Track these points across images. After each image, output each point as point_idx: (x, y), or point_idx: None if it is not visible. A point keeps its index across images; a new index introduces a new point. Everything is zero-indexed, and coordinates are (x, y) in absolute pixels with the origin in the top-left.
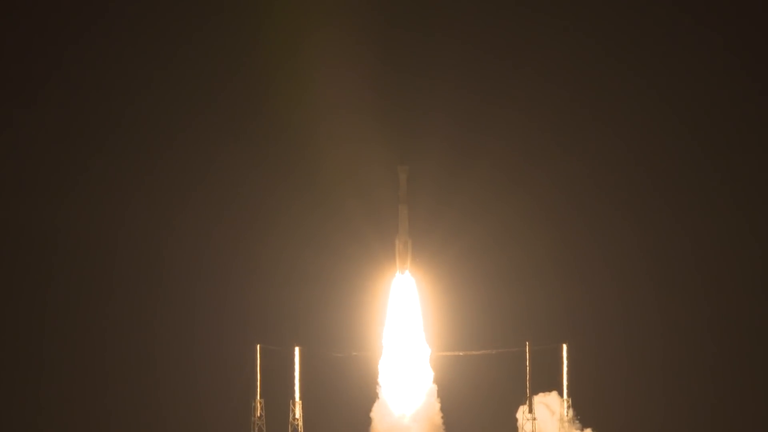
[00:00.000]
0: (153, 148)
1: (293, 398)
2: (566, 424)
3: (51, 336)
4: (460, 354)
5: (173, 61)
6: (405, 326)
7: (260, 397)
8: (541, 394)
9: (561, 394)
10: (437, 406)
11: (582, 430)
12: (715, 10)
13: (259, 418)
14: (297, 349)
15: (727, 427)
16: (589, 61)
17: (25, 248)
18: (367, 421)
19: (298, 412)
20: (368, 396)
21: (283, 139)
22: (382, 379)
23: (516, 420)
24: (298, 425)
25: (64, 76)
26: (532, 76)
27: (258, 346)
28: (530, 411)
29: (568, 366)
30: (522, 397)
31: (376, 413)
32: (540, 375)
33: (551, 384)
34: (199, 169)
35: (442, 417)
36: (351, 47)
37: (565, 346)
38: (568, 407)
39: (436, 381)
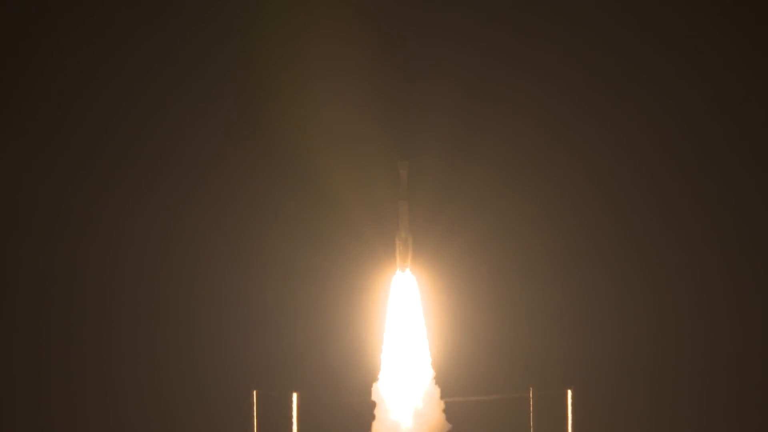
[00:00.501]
0: (146, 149)
1: None
2: None
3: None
4: (461, 400)
5: (168, 56)
6: (406, 333)
7: None
8: None
9: None
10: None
11: None
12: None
13: None
14: (295, 396)
15: None
16: (593, 54)
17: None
18: None
19: None
20: None
21: (278, 135)
22: (381, 390)
23: None
24: None
25: (49, 79)
26: (534, 70)
27: (254, 392)
28: None
29: (573, 412)
30: None
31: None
32: (548, 418)
33: (560, 426)
34: (192, 167)
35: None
36: (349, 40)
37: (569, 392)
38: None
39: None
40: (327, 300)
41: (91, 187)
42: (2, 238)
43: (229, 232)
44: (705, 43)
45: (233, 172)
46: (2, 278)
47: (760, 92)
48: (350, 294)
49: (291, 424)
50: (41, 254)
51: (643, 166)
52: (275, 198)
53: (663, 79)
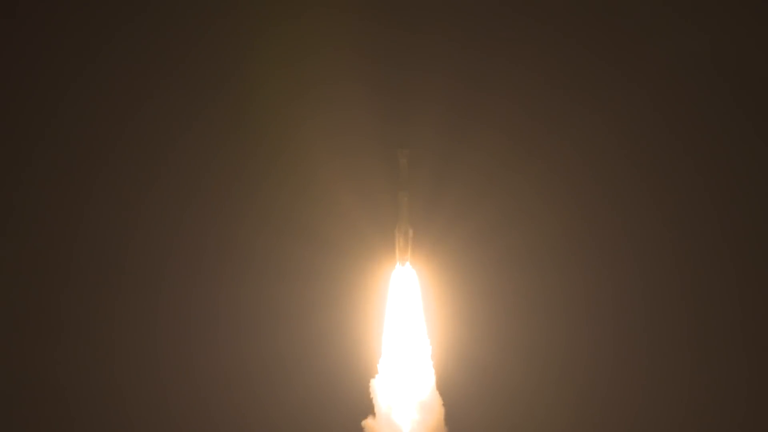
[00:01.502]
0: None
1: None
2: None
3: None
4: None
5: (141, 31)
6: (406, 330)
7: None
8: None
9: None
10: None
11: None
12: None
13: None
14: None
15: None
16: (608, 6)
17: None
18: None
19: None
20: None
21: (261, 119)
22: (379, 396)
23: None
24: None
25: None
26: (538, 34)
27: None
28: None
29: None
30: None
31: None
32: None
33: None
34: (165, 156)
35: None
36: (342, 20)
37: None
38: None
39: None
40: (321, 299)
41: (58, 183)
42: None
43: (207, 227)
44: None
45: (214, 161)
46: None
47: None
48: (346, 291)
49: None
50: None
51: (674, 145)
52: (254, 187)
53: (692, 45)
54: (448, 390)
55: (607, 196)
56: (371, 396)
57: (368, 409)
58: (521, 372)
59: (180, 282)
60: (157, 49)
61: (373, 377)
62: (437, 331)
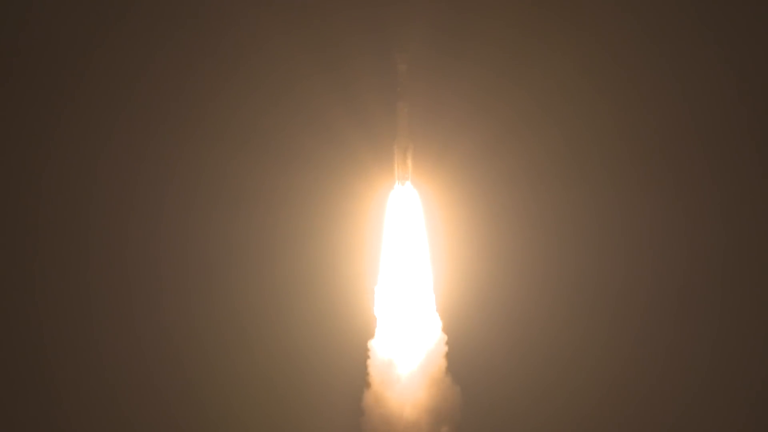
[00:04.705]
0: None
1: None
2: None
3: None
4: None
5: None
6: (407, 259)
7: None
8: None
9: None
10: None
11: None
12: None
13: None
14: None
15: None
16: None
17: None
18: None
19: None
20: None
21: (241, 23)
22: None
23: None
24: None
25: None
26: None
27: None
28: None
29: None
30: None
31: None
32: None
33: None
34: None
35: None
36: None
37: None
38: None
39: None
40: (311, 225)
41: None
42: None
43: (173, 151)
44: None
45: (197, 81)
46: None
47: None
48: (339, 216)
49: None
50: None
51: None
52: (228, 97)
53: None
54: (452, 322)
55: (617, 107)
56: (369, 338)
57: (364, 349)
58: (532, 300)
59: (168, 213)
60: None
61: (371, 307)
62: (441, 257)
